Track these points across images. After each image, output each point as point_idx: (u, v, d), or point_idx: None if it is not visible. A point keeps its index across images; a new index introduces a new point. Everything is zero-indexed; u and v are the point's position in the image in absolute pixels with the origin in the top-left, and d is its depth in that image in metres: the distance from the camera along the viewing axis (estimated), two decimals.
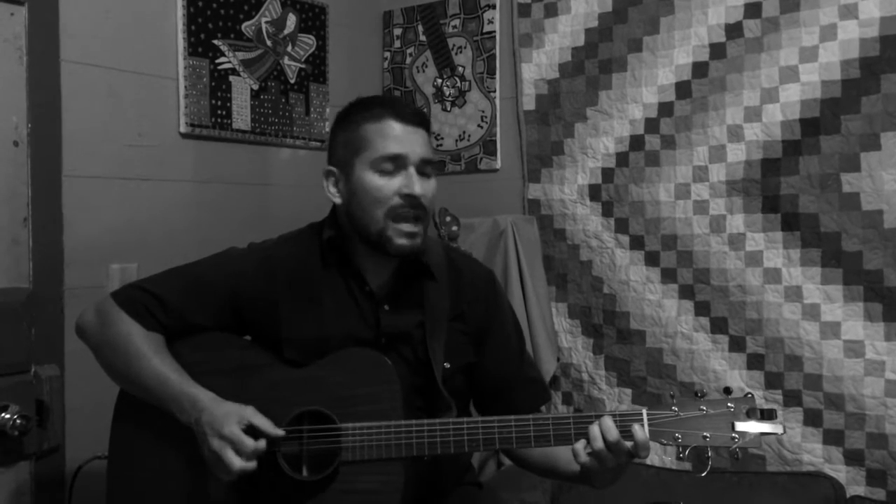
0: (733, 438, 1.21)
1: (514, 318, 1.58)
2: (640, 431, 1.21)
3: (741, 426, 1.21)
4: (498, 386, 1.51)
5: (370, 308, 1.42)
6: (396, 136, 1.37)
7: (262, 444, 1.25)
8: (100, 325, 1.41)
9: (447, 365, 1.41)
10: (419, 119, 1.41)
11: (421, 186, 1.36)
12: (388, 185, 1.36)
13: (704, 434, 1.21)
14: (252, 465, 1.24)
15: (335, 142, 1.45)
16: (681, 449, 1.22)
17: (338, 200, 1.43)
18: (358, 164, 1.38)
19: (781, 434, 1.23)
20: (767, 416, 1.21)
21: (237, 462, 1.23)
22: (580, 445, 1.23)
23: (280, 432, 1.27)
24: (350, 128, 1.41)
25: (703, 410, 1.22)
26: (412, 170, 1.36)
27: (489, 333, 1.50)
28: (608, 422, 1.21)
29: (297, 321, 1.41)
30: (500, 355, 1.51)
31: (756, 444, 1.23)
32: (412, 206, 1.36)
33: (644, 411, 1.24)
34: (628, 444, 1.21)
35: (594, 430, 1.22)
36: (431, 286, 1.44)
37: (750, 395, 1.23)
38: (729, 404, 1.22)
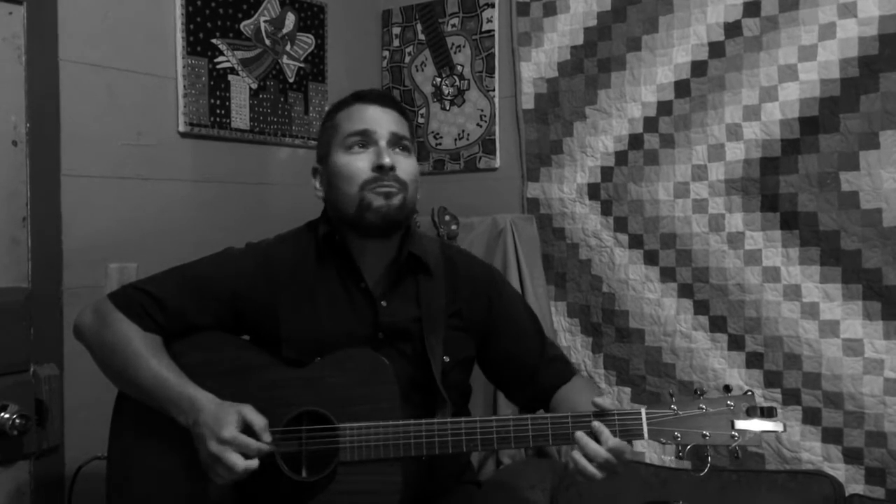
0: (733, 437, 1.20)
1: (524, 304, 1.59)
2: (610, 438, 1.20)
3: (741, 424, 1.20)
4: (523, 372, 1.51)
5: (367, 304, 1.43)
6: (363, 115, 1.41)
7: (264, 441, 1.24)
8: (97, 326, 1.41)
9: (447, 359, 1.42)
10: (390, 101, 1.45)
11: (392, 158, 1.37)
12: (359, 162, 1.38)
13: (704, 433, 1.21)
14: (255, 463, 1.23)
15: (318, 141, 1.50)
16: (680, 448, 1.22)
17: (320, 194, 1.47)
18: (332, 152, 1.42)
19: (781, 432, 1.22)
20: (767, 413, 1.20)
21: (241, 462, 1.22)
22: (573, 466, 1.22)
23: (267, 438, 1.25)
24: (327, 122, 1.47)
25: (703, 409, 1.22)
26: (383, 143, 1.38)
27: (498, 326, 1.50)
28: (591, 445, 1.20)
29: (295, 320, 1.41)
30: (517, 343, 1.51)
31: (756, 442, 1.22)
32: (384, 178, 1.36)
33: (643, 410, 1.23)
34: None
35: (577, 454, 1.21)
36: (427, 282, 1.45)
37: (749, 393, 1.23)
38: (728, 402, 1.21)
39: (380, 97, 1.44)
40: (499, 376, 1.54)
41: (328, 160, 1.43)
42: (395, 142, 1.40)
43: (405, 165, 1.40)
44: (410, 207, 1.42)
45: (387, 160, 1.36)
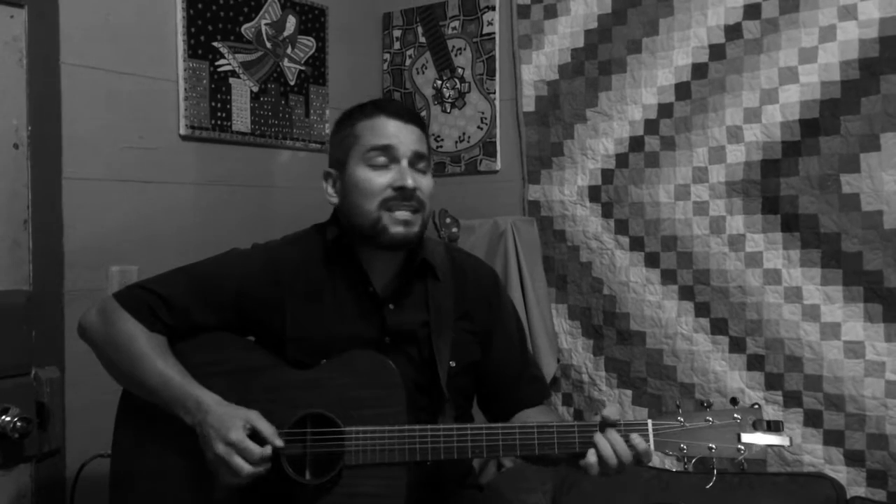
0: (739, 450, 1.20)
1: (516, 317, 1.58)
2: (641, 442, 1.21)
3: (747, 438, 1.20)
4: (500, 384, 1.51)
5: (374, 308, 1.42)
6: (386, 130, 1.39)
7: (268, 450, 1.24)
8: (102, 325, 1.41)
9: (453, 364, 1.42)
10: (412, 116, 1.43)
11: (414, 179, 1.37)
12: (380, 179, 1.37)
13: (710, 445, 1.21)
14: (261, 469, 1.24)
15: (332, 144, 1.48)
16: (686, 460, 1.22)
17: (335, 200, 1.45)
18: (351, 161, 1.40)
19: (788, 446, 1.22)
20: (774, 427, 1.20)
21: (246, 467, 1.22)
22: (593, 460, 1.22)
23: (280, 443, 1.26)
24: (344, 128, 1.44)
25: (710, 421, 1.22)
26: (404, 163, 1.37)
27: (493, 332, 1.50)
28: (620, 443, 1.21)
29: (301, 322, 1.41)
30: (503, 354, 1.51)
31: (762, 455, 1.22)
32: (405, 199, 1.36)
33: (649, 422, 1.24)
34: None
35: (605, 448, 1.21)
36: (435, 286, 1.45)
37: (757, 406, 1.22)
38: (735, 415, 1.21)
39: (403, 111, 1.42)
40: (476, 381, 1.53)
41: (345, 169, 1.41)
42: (416, 161, 1.40)
43: (424, 185, 1.40)
44: (426, 226, 1.43)
45: (410, 182, 1.35)
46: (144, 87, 2.13)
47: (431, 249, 1.47)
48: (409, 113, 1.44)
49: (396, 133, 1.39)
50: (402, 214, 1.36)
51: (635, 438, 1.22)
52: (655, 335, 2.28)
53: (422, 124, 1.45)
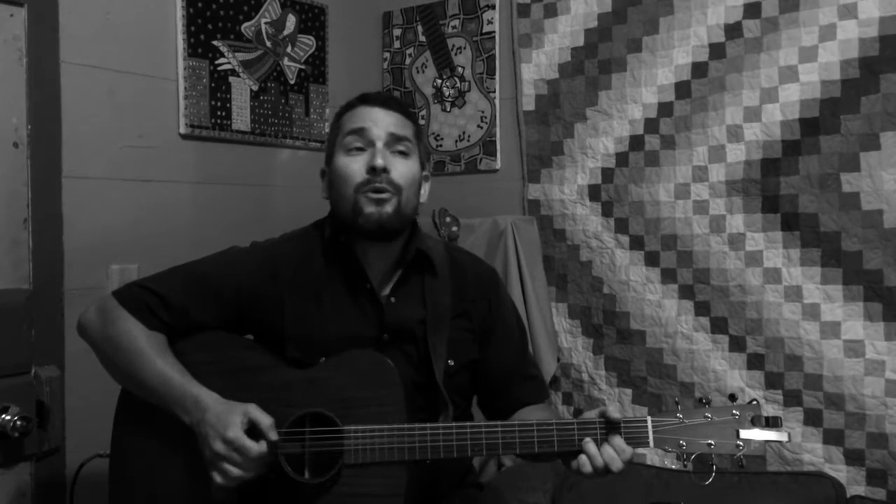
0: (738, 446, 1.21)
1: (516, 316, 1.58)
2: (626, 449, 1.22)
3: (746, 434, 1.21)
4: (498, 382, 1.51)
5: (373, 305, 1.42)
6: (362, 115, 1.41)
7: (264, 446, 1.24)
8: (102, 323, 1.41)
9: (451, 362, 1.41)
10: (391, 102, 1.44)
11: (386, 160, 1.36)
12: (355, 163, 1.38)
13: (709, 442, 1.21)
14: (250, 474, 1.23)
15: (327, 143, 1.50)
16: (685, 456, 1.22)
17: (325, 195, 1.47)
18: (335, 153, 1.43)
19: (786, 442, 1.22)
20: (772, 423, 1.21)
21: (235, 472, 1.22)
22: (584, 459, 1.23)
23: (274, 436, 1.25)
24: (333, 124, 1.48)
25: (708, 418, 1.22)
26: (379, 144, 1.38)
27: (492, 330, 1.50)
28: (608, 449, 1.22)
29: (300, 319, 1.41)
30: (502, 352, 1.51)
31: (760, 451, 1.23)
32: (377, 180, 1.35)
33: (648, 419, 1.24)
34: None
35: (609, 450, 1.22)
36: (433, 282, 1.45)
37: (755, 402, 1.23)
38: (734, 411, 1.22)
39: (383, 99, 1.44)
40: (474, 381, 1.53)
41: (331, 161, 1.43)
42: (393, 143, 1.39)
43: (402, 168, 1.39)
44: (408, 212, 1.41)
45: (379, 161, 1.35)
46: (144, 85, 2.13)
47: (430, 246, 1.47)
48: (391, 100, 1.45)
49: (372, 117, 1.40)
50: (375, 195, 1.36)
51: (619, 443, 1.22)
52: (655, 334, 2.28)
53: (405, 111, 1.45)
